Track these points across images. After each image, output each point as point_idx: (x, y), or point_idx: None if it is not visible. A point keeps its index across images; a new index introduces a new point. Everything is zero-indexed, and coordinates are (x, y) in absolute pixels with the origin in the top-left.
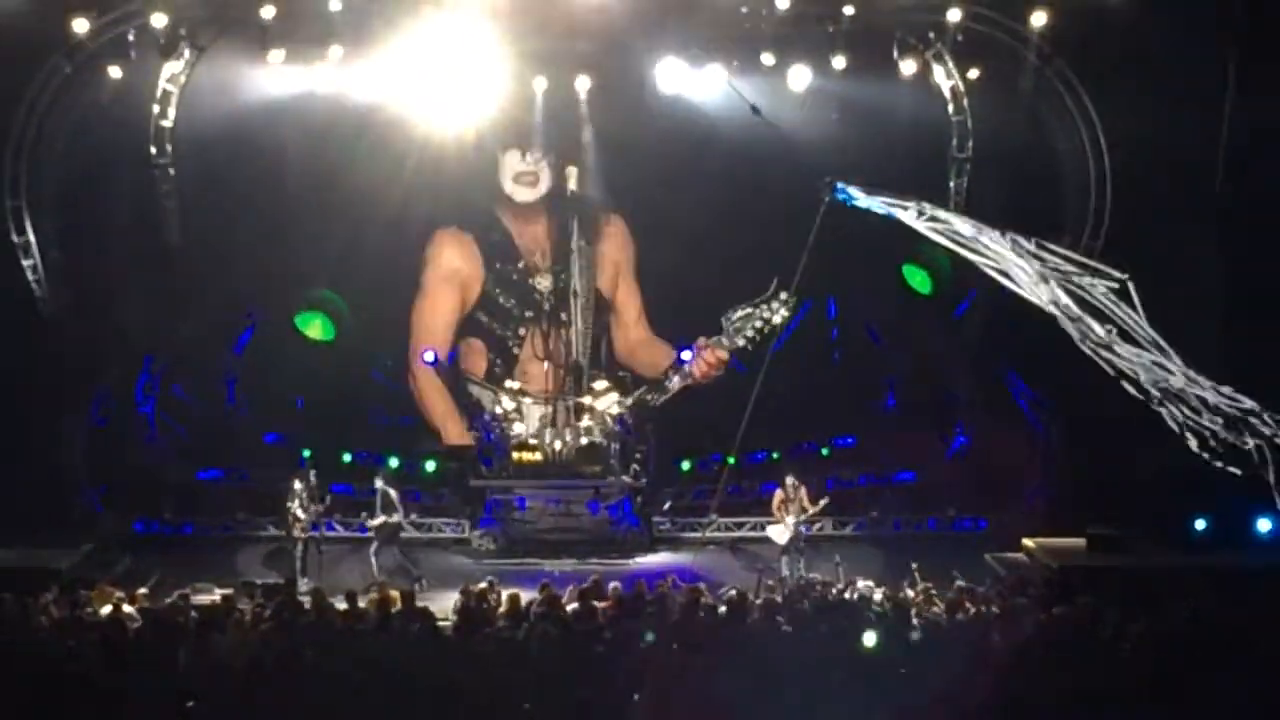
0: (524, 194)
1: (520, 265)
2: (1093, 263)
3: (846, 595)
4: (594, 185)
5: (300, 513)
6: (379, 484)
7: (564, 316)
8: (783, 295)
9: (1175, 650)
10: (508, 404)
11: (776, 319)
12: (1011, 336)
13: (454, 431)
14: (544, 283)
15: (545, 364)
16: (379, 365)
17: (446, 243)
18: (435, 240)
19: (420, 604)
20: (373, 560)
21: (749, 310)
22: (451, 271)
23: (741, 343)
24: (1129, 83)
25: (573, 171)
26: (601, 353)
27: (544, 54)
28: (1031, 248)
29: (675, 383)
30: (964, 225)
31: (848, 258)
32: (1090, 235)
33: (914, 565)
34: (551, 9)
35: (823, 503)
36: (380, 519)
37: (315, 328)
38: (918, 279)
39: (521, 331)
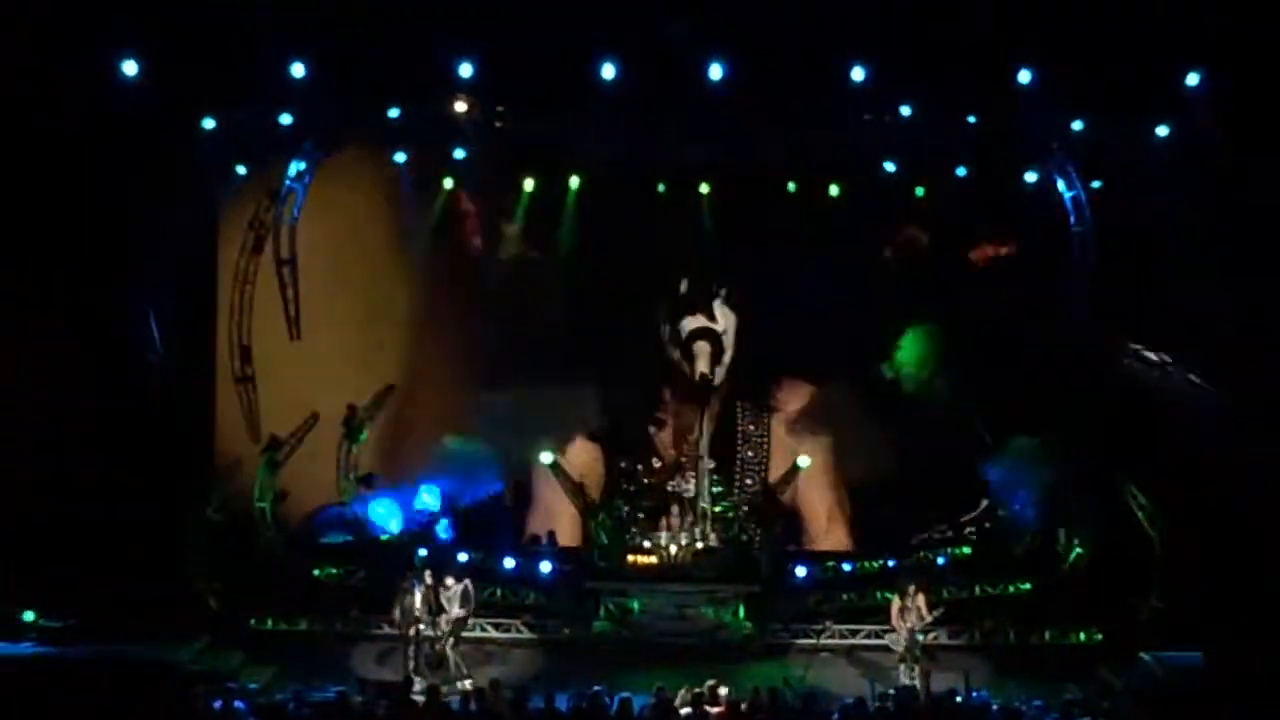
0: (703, 361)
1: (655, 464)
2: None
3: (962, 705)
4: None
5: (416, 612)
6: (450, 580)
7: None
8: None
9: None
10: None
11: None
12: (1128, 445)
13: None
14: (688, 486)
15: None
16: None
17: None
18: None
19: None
20: (451, 656)
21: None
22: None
23: None
24: (1258, 195)
25: None
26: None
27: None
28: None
29: None
30: None
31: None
32: (1207, 350)
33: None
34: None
35: (938, 611)
36: (459, 612)
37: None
38: None
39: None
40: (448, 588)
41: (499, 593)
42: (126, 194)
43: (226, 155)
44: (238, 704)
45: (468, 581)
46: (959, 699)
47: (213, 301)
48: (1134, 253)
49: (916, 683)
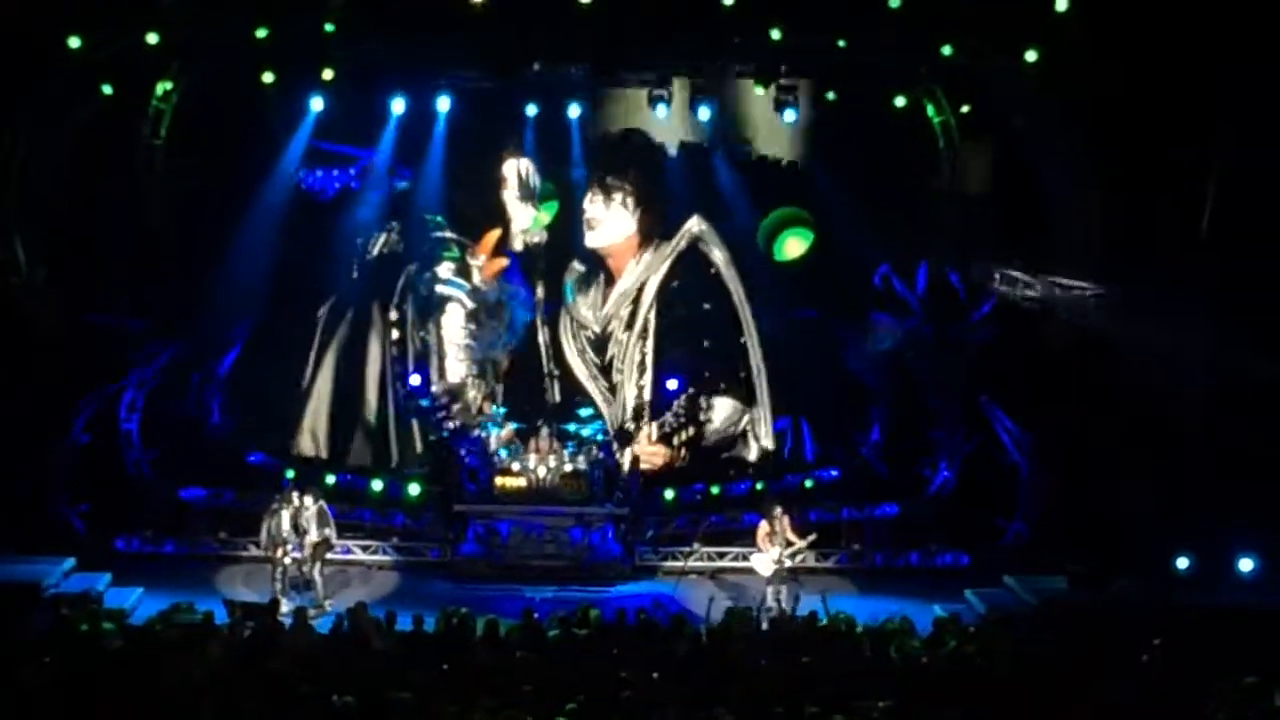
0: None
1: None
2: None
3: (826, 627)
4: None
5: (283, 533)
6: (308, 500)
7: None
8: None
9: (1145, 689)
10: (494, 431)
11: None
12: (997, 372)
13: None
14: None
15: None
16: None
17: None
18: None
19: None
20: (318, 580)
21: None
22: None
23: None
24: (1122, 119)
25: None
26: None
27: (536, 81)
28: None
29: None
30: None
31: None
32: (1079, 267)
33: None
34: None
35: (810, 537)
36: (322, 534)
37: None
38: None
39: None
40: (306, 509)
41: (366, 515)
42: None
43: (92, 75)
44: (105, 625)
45: (322, 502)
46: (822, 620)
47: (81, 221)
48: (1005, 176)
49: (783, 605)
